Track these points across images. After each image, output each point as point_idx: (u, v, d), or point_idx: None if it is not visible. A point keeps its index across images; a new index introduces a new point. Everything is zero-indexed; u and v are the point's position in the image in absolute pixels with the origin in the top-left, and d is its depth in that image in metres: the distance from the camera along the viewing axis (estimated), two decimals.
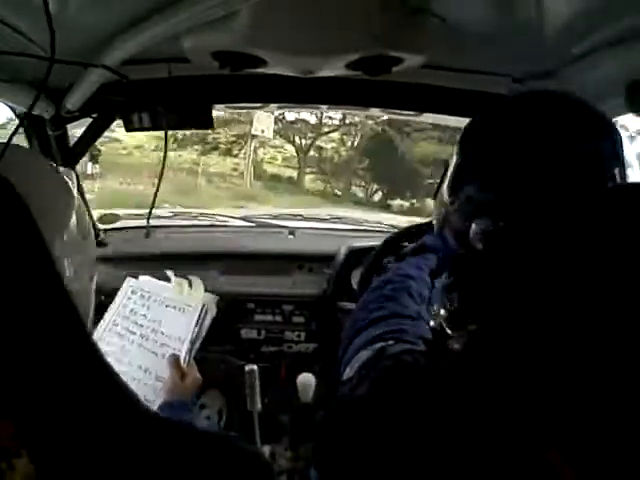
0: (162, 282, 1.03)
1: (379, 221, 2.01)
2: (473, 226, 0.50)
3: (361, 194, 12.76)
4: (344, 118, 11.45)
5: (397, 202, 12.03)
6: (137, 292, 1.02)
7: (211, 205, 7.77)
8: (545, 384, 0.35)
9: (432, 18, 0.78)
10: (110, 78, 0.95)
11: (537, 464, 0.35)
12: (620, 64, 0.76)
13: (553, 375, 0.34)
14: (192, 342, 0.95)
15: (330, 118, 11.87)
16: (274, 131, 11.31)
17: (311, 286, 1.63)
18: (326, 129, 12.53)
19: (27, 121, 1.16)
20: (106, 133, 1.35)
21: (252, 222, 1.90)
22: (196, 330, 0.96)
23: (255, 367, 1.35)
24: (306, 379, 1.31)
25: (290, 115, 11.66)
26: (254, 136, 10.71)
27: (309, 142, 12.80)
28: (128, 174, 9.01)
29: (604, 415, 0.32)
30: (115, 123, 1.29)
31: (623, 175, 0.49)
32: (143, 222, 1.80)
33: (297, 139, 12.79)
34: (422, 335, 0.61)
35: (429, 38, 0.84)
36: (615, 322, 0.32)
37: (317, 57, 0.91)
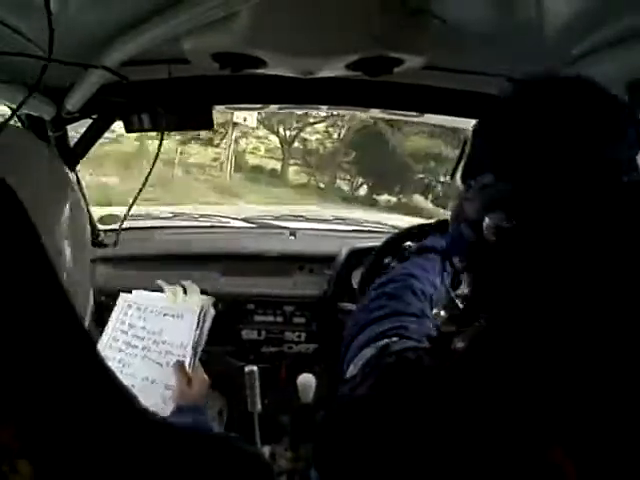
0: (156, 293, 1.03)
1: (380, 221, 2.01)
2: (487, 219, 0.48)
3: (346, 188, 12.57)
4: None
5: (384, 197, 11.88)
6: (133, 306, 1.01)
7: (184, 199, 7.35)
8: (549, 384, 0.35)
9: (432, 19, 0.78)
10: (110, 79, 0.95)
11: (540, 464, 0.35)
12: (620, 64, 0.76)
13: (556, 377, 0.34)
14: (195, 346, 0.95)
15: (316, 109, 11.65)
16: (258, 121, 11.05)
17: (312, 287, 1.63)
18: (311, 120, 12.18)
19: (27, 122, 1.16)
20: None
21: (253, 223, 1.90)
22: (197, 333, 0.96)
23: (255, 368, 1.35)
24: (306, 380, 1.31)
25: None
26: (235, 124, 10.43)
27: (294, 133, 12.47)
28: (99, 165, 8.01)
29: (608, 415, 0.32)
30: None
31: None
32: (143, 223, 1.80)
33: (281, 130, 12.46)
34: (426, 333, 0.61)
35: (429, 39, 0.84)
36: (623, 323, 0.32)
37: (317, 58, 0.91)
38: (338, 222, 2.04)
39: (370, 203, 11.35)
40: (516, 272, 0.43)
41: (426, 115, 1.30)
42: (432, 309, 0.74)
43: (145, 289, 1.04)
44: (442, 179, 11.10)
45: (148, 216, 1.91)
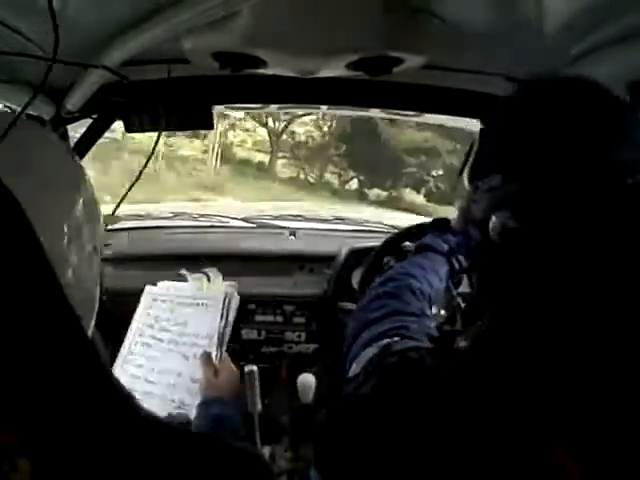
0: (180, 283, 1.03)
1: (380, 221, 2.01)
2: (493, 218, 0.48)
3: (336, 182, 12.28)
4: None
5: (374, 191, 11.68)
6: (158, 299, 1.01)
7: (167, 196, 7.23)
8: (551, 384, 0.35)
9: (432, 19, 0.78)
10: (110, 79, 0.95)
11: (543, 464, 0.35)
12: (621, 63, 0.75)
13: (559, 376, 0.34)
14: (221, 336, 0.94)
15: None
16: (245, 112, 10.94)
17: (312, 286, 1.63)
18: (301, 112, 11.78)
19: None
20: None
21: (253, 223, 1.90)
22: (222, 323, 0.95)
23: (255, 368, 1.35)
24: (306, 380, 1.30)
25: None
26: (225, 115, 10.06)
27: (283, 125, 12.05)
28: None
29: (610, 415, 0.32)
30: None
31: None
32: (144, 223, 1.80)
33: (270, 122, 12.04)
34: (426, 332, 0.61)
35: (430, 39, 0.84)
36: (626, 324, 0.32)
37: (317, 58, 0.91)
38: (338, 222, 2.04)
39: (360, 197, 11.14)
40: (521, 272, 0.43)
41: (426, 115, 1.30)
42: (431, 308, 0.74)
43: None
44: (434, 173, 11.01)
45: (148, 216, 1.91)
